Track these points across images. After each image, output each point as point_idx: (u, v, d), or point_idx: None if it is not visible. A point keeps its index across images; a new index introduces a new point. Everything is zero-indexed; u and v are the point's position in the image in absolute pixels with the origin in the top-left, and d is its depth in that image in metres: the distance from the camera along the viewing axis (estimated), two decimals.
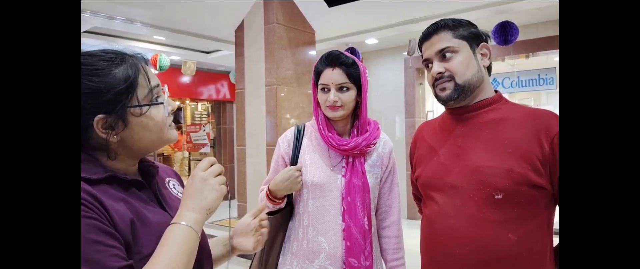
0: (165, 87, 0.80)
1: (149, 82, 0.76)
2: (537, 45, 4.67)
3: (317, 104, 1.34)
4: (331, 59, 1.28)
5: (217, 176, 0.78)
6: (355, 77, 1.28)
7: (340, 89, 1.27)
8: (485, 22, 4.25)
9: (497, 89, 1.11)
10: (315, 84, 1.33)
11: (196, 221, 0.73)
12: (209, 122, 7.85)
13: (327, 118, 1.33)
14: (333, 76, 1.27)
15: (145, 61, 0.78)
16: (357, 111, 1.34)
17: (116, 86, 0.70)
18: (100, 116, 0.69)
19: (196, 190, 0.75)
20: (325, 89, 1.29)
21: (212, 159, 0.80)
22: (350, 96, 1.28)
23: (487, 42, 1.10)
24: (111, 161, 0.75)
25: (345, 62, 1.27)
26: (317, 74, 1.31)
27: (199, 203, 0.74)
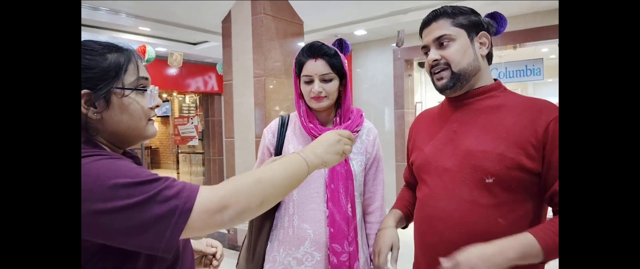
0: (156, 88, 0.85)
1: (138, 72, 0.80)
2: (524, 37, 4.70)
3: (299, 95, 1.36)
4: (314, 50, 1.29)
5: (347, 144, 0.92)
6: (337, 68, 1.30)
7: (324, 80, 1.29)
8: None
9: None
10: (297, 75, 1.34)
11: (311, 161, 0.84)
12: (197, 114, 7.78)
13: (309, 108, 1.35)
14: (316, 67, 1.28)
15: (140, 57, 0.83)
16: (340, 100, 1.36)
17: (104, 65, 0.75)
18: (85, 91, 0.73)
19: (329, 144, 0.89)
20: (309, 81, 1.30)
21: (351, 135, 0.96)
22: (333, 86, 1.30)
23: (488, 31, 1.09)
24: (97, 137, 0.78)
25: (328, 52, 1.29)
26: (299, 65, 1.32)
27: (322, 153, 0.87)
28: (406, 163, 1.32)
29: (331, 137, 0.91)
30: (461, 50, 1.04)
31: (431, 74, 1.10)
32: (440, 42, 1.06)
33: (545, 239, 0.89)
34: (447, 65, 1.05)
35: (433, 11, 1.09)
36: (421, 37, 1.12)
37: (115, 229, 0.63)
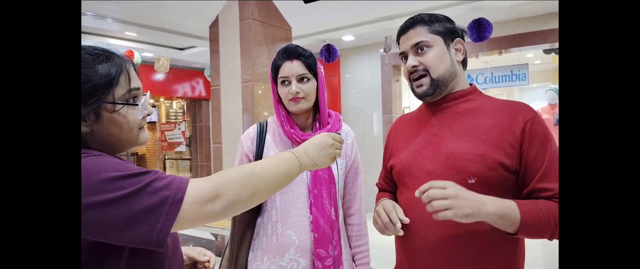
0: (148, 94, 0.84)
1: (129, 83, 0.78)
2: (509, 42, 4.77)
3: (278, 100, 1.35)
4: (289, 52, 1.30)
5: (337, 149, 0.94)
6: (314, 68, 1.31)
7: (301, 80, 1.29)
8: (459, 20, 4.29)
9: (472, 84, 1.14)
10: (274, 79, 1.34)
11: (304, 162, 0.86)
12: (184, 120, 7.72)
13: (288, 114, 1.35)
14: (293, 67, 1.28)
15: (133, 64, 0.81)
16: (317, 104, 1.36)
17: (95, 79, 0.72)
18: None
19: (322, 146, 0.90)
20: (286, 82, 1.30)
21: (342, 139, 0.97)
22: (311, 86, 1.30)
23: (462, 38, 1.13)
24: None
25: (304, 53, 1.30)
26: (276, 68, 1.32)
27: (315, 156, 0.89)
28: (382, 170, 1.30)
29: (325, 140, 0.92)
30: (439, 56, 1.07)
31: (410, 80, 1.12)
32: (418, 49, 1.08)
33: (526, 211, 0.91)
34: (426, 72, 1.07)
35: (410, 18, 1.11)
36: (399, 44, 1.15)
37: (106, 223, 0.62)
